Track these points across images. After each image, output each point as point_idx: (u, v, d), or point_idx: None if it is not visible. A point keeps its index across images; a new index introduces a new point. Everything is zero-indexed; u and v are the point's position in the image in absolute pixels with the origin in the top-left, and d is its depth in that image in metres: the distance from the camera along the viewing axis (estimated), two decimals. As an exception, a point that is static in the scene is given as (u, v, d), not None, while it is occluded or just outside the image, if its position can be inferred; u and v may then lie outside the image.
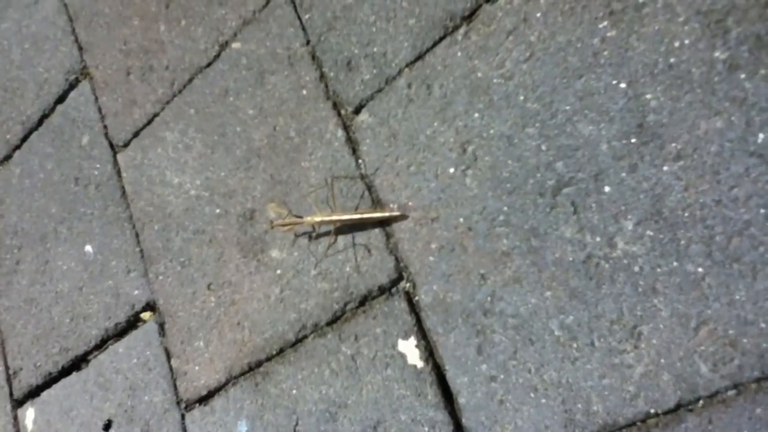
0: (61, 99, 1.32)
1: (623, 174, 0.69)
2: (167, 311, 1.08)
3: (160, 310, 1.10)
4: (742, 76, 0.64)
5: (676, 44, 0.68)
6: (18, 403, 1.28)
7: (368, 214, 0.87)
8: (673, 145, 0.67)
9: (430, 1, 0.86)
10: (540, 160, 0.75)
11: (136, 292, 1.14)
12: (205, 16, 1.11)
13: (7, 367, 1.31)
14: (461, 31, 0.83)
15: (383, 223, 0.88)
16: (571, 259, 0.72)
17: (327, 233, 0.92)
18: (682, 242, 0.66)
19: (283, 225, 0.91)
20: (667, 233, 0.67)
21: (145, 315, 1.13)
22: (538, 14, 0.77)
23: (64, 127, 1.30)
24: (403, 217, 0.86)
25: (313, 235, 0.93)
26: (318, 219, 0.90)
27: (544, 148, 0.75)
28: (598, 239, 0.70)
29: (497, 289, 0.77)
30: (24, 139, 1.37)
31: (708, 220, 0.65)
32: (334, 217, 0.89)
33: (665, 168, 0.67)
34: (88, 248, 1.22)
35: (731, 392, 0.62)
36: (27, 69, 1.40)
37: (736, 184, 0.63)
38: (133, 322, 1.14)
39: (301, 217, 0.92)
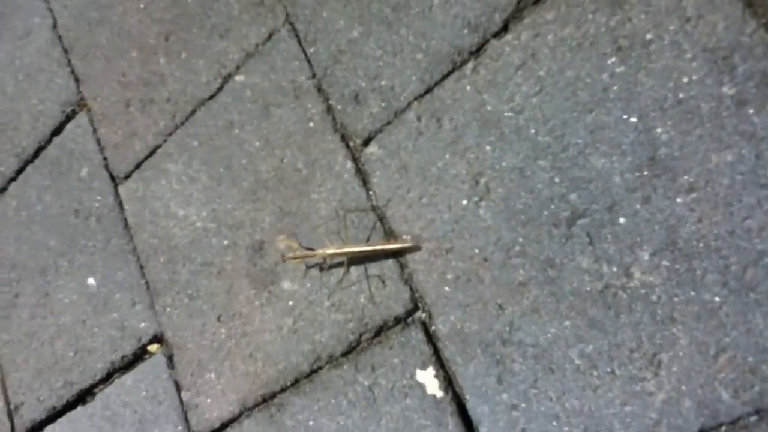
0: (57, 131, 1.31)
1: (637, 206, 0.72)
2: (176, 343, 1.08)
3: (169, 342, 1.09)
4: (750, 111, 0.67)
5: (685, 80, 0.70)
6: (21, 439, 1.27)
7: (380, 245, 0.88)
8: (685, 177, 0.69)
9: (436, 36, 0.88)
10: (553, 192, 0.77)
11: (142, 324, 1.13)
12: (206, 49, 1.11)
13: (8, 402, 1.30)
14: (469, 65, 0.85)
15: (396, 254, 0.89)
16: (588, 288, 0.74)
17: (339, 265, 0.93)
18: (698, 272, 0.68)
19: (295, 258, 0.92)
20: (683, 263, 0.69)
21: (153, 347, 1.12)
22: (546, 50, 0.79)
23: (61, 159, 1.30)
24: (415, 248, 0.87)
25: (325, 266, 0.94)
26: (330, 251, 0.90)
27: (557, 180, 0.77)
28: (614, 269, 0.72)
29: (515, 318, 0.78)
30: (19, 171, 1.36)
31: (723, 250, 0.67)
32: (346, 249, 0.90)
33: (678, 200, 0.70)
34: (91, 281, 1.22)
35: (753, 418, 0.64)
36: (21, 101, 1.39)
37: (748, 215, 0.66)
38: (140, 355, 1.14)
39: (312, 249, 0.93)
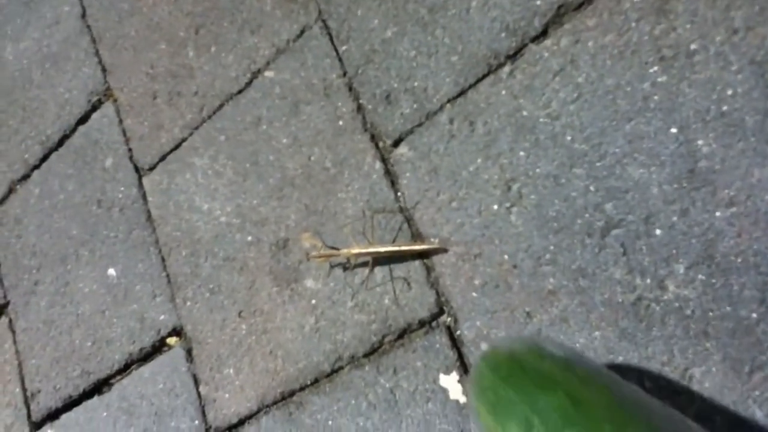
0: (82, 120, 1.31)
1: (674, 218, 0.71)
2: (195, 337, 1.08)
3: (188, 335, 1.09)
4: (796, 126, 0.66)
5: (729, 92, 0.69)
6: (36, 425, 1.27)
7: (406, 246, 0.88)
8: (726, 191, 0.68)
9: (473, 39, 0.87)
10: (588, 201, 0.76)
11: (162, 317, 1.13)
12: (237, 44, 1.11)
13: (24, 389, 1.30)
14: (506, 69, 0.84)
15: (422, 255, 0.88)
16: (620, 300, 0.73)
17: (364, 265, 0.92)
18: (735, 287, 0.67)
19: (320, 257, 0.92)
20: (720, 278, 0.68)
21: (171, 340, 1.12)
22: (586, 57, 0.78)
23: (86, 149, 1.30)
24: (442, 249, 0.86)
25: (350, 266, 0.94)
26: (355, 251, 0.90)
27: (592, 189, 0.76)
28: (648, 281, 0.71)
29: (543, 327, 0.77)
30: (44, 159, 1.37)
31: (762, 266, 0.66)
32: (371, 249, 0.89)
33: (718, 213, 0.68)
34: (111, 271, 1.21)
35: (788, 438, 0.63)
36: (47, 89, 1.39)
37: (790, 232, 0.65)
38: (158, 347, 1.14)
39: (337, 249, 0.93)
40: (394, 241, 0.90)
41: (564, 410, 0.48)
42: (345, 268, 0.93)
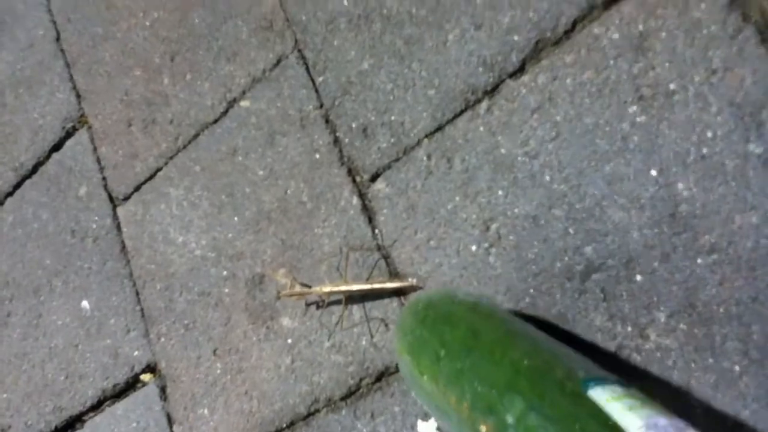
0: (57, 147, 1.28)
1: (655, 263, 0.69)
2: (169, 375, 1.05)
3: (162, 372, 1.06)
4: (778, 171, 0.64)
5: (709, 134, 0.67)
6: (7, 463, 1.24)
7: (379, 284, 0.85)
8: (707, 237, 0.66)
9: (450, 73, 0.85)
10: (567, 243, 0.74)
11: (136, 352, 1.10)
12: (212, 72, 1.08)
13: (-5, 425, 1.27)
14: (483, 105, 0.82)
15: (399, 293, 0.86)
16: (601, 347, 0.71)
17: (338, 302, 0.90)
18: (718, 338, 0.65)
19: (291, 295, 0.89)
20: (702, 328, 0.66)
21: (146, 377, 1.09)
22: (564, 94, 0.76)
23: (60, 177, 1.27)
24: (416, 287, 0.84)
25: (323, 305, 0.91)
26: (327, 289, 0.87)
27: (571, 231, 0.74)
28: (629, 329, 0.69)
29: (523, 373, 0.75)
30: (17, 186, 1.34)
31: (744, 317, 0.64)
32: (343, 288, 0.87)
33: (699, 260, 0.66)
34: (85, 304, 1.18)
35: (773, 498, 0.61)
36: (20, 114, 1.36)
37: (773, 282, 0.63)
38: (132, 384, 1.11)
39: (309, 286, 0.90)
40: (367, 279, 0.88)
41: (465, 341, 0.58)
42: (318, 307, 0.91)
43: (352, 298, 0.88)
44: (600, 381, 0.52)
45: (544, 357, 0.56)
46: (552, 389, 0.51)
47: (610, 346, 0.70)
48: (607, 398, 0.49)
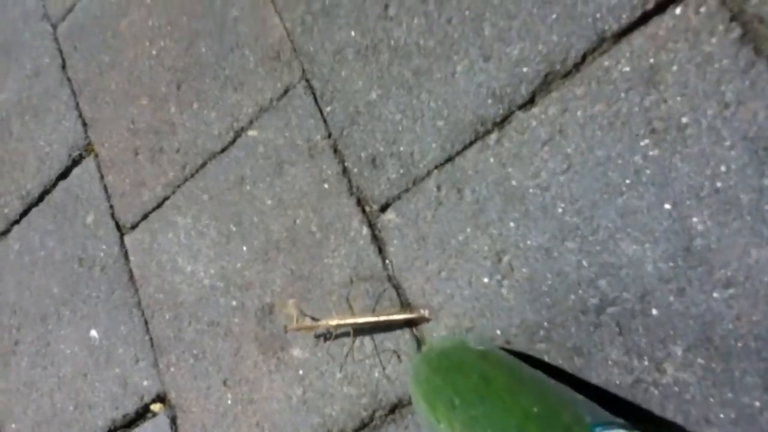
0: (63, 175, 1.29)
1: (671, 297, 0.68)
2: (179, 405, 1.05)
3: (172, 402, 1.06)
4: (793, 206, 0.64)
5: (723, 168, 0.67)
6: (16, 494, 1.23)
7: (386, 316, 0.85)
8: (723, 271, 0.66)
9: (459, 104, 0.85)
10: (581, 276, 0.74)
11: (145, 382, 1.10)
12: (219, 101, 1.09)
13: (4, 455, 1.26)
14: (493, 136, 0.82)
15: (410, 324, 0.85)
16: (617, 382, 0.70)
17: (347, 335, 0.89)
18: (736, 373, 0.64)
19: (298, 329, 0.89)
20: (720, 362, 0.65)
21: (155, 407, 1.09)
22: (575, 126, 0.76)
23: (66, 205, 1.27)
24: (424, 319, 0.84)
25: (331, 337, 0.91)
26: (334, 322, 0.87)
27: (585, 263, 0.74)
28: (646, 363, 0.69)
29: (538, 407, 0.75)
30: (23, 214, 1.34)
31: (763, 352, 0.63)
32: (351, 321, 0.87)
33: (715, 294, 0.66)
34: (93, 333, 1.18)
35: None
36: (27, 141, 1.36)
37: (791, 317, 0.63)
38: (142, 414, 1.10)
39: (317, 319, 0.90)
40: (373, 311, 0.87)
41: (477, 389, 0.61)
42: (326, 339, 0.91)
43: (361, 330, 0.88)
44: (606, 425, 0.53)
45: (552, 402, 0.58)
46: None
47: (627, 380, 0.70)
48: None
